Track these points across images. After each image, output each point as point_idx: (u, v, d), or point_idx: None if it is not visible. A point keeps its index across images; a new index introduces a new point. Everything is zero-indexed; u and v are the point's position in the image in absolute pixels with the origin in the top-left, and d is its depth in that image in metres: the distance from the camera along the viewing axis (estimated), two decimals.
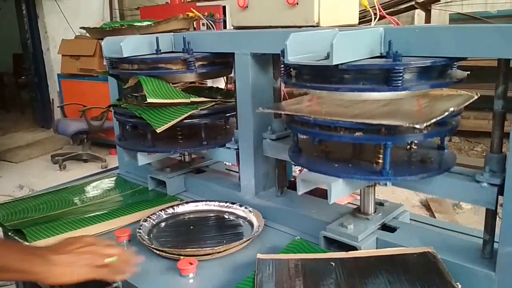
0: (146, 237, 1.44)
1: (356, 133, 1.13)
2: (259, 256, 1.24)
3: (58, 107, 6.21)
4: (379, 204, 1.44)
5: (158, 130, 1.57)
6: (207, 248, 1.34)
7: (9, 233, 1.62)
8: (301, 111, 1.24)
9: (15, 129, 7.76)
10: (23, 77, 8.21)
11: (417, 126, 1.02)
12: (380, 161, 1.22)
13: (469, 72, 1.23)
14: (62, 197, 1.92)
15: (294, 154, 1.34)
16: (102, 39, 1.81)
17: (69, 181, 2.15)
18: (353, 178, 1.19)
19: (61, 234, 1.53)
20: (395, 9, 5.81)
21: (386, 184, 1.26)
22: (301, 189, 1.27)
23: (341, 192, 1.22)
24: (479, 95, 1.24)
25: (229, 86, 2.36)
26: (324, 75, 1.14)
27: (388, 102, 1.21)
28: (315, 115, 1.17)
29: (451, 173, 1.21)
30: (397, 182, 1.24)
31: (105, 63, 1.85)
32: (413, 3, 5.92)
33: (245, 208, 1.59)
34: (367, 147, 1.31)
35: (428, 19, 6.17)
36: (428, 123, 1.03)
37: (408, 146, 1.34)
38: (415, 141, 1.32)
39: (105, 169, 5.17)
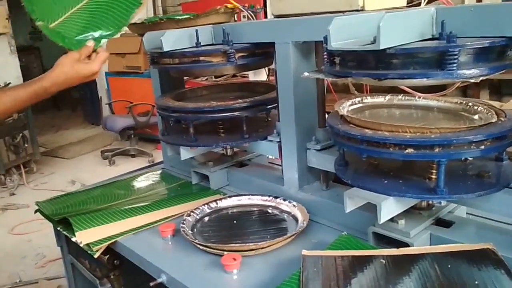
0: (189, 232, 1.43)
1: (407, 150, 1.06)
2: (305, 252, 1.19)
3: (106, 104, 6.39)
4: None
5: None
6: (251, 244, 1.31)
7: (58, 228, 1.67)
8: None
9: (67, 127, 8.07)
10: None
11: None
12: (434, 176, 1.16)
13: None
14: (110, 191, 1.96)
15: (340, 168, 1.29)
16: (143, 35, 1.82)
17: (117, 176, 2.19)
18: (404, 196, 1.13)
19: (107, 224, 1.56)
20: None
21: (440, 203, 1.21)
22: (348, 207, 1.22)
23: (391, 210, 1.17)
24: None
25: (271, 78, 2.32)
26: (371, 61, 1.07)
27: None
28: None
29: (511, 189, 1.14)
30: (452, 200, 1.18)
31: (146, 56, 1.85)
32: None
33: (289, 202, 1.55)
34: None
35: (478, 1, 5.84)
36: None
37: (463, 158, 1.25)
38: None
39: (151, 163, 5.29)
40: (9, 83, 5.24)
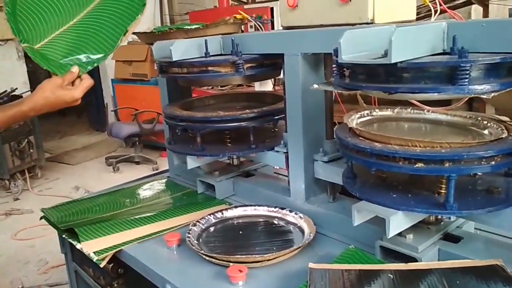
0: (195, 242, 1.43)
1: (417, 164, 1.05)
2: (311, 265, 1.18)
3: (112, 111, 6.41)
4: None
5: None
6: (257, 255, 1.30)
7: (63, 235, 1.66)
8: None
9: (72, 133, 8.10)
10: None
11: None
12: (443, 191, 1.16)
13: None
14: (115, 199, 1.96)
15: (348, 181, 1.29)
16: (152, 44, 1.83)
17: (122, 184, 2.19)
18: (413, 211, 1.13)
19: (112, 234, 1.56)
20: (451, 4, 5.55)
21: (449, 218, 1.21)
22: (356, 220, 1.21)
23: (400, 225, 1.17)
24: None
25: (276, 88, 2.32)
26: (382, 75, 1.06)
27: None
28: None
29: None
30: (461, 216, 1.20)
31: (155, 67, 1.86)
32: None
33: (295, 214, 1.54)
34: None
35: (486, 15, 5.85)
36: None
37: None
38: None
39: (156, 171, 5.27)
40: (16, 88, 5.28)
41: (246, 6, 5.47)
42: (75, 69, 1.40)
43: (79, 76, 1.41)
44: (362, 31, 1.14)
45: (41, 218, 1.84)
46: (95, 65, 1.45)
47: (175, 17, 7.99)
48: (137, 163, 5.79)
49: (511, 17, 5.82)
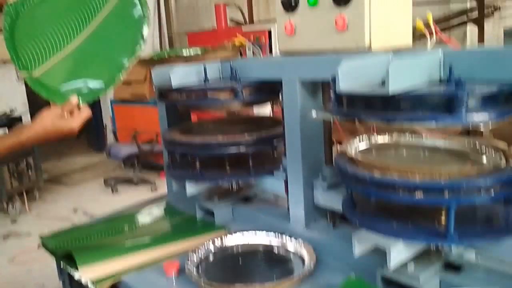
0: (194, 270, 1.41)
1: (417, 194, 1.05)
2: None
3: (111, 132, 6.42)
4: None
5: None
6: (257, 285, 1.29)
7: (61, 263, 1.64)
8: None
9: (70, 154, 8.08)
10: None
11: None
12: (443, 218, 1.15)
13: None
14: (114, 226, 1.95)
15: (348, 210, 1.28)
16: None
17: (121, 209, 2.17)
18: (414, 241, 1.13)
19: (110, 259, 1.54)
20: (446, 25, 5.63)
21: (450, 248, 1.21)
22: (357, 250, 1.21)
23: (401, 255, 1.16)
24: None
25: (275, 109, 2.33)
26: (380, 104, 1.07)
27: None
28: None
29: None
30: (462, 245, 1.20)
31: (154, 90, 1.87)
32: (465, 18, 5.72)
33: (296, 240, 1.53)
34: None
35: (481, 34, 5.92)
36: None
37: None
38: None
39: (154, 191, 5.26)
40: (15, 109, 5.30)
41: (244, 28, 5.53)
42: (75, 99, 1.40)
43: (77, 107, 1.41)
44: (359, 60, 1.15)
45: (39, 246, 1.82)
46: (95, 97, 1.45)
47: (174, 37, 8.06)
48: (136, 184, 5.78)
49: (506, 36, 5.88)
